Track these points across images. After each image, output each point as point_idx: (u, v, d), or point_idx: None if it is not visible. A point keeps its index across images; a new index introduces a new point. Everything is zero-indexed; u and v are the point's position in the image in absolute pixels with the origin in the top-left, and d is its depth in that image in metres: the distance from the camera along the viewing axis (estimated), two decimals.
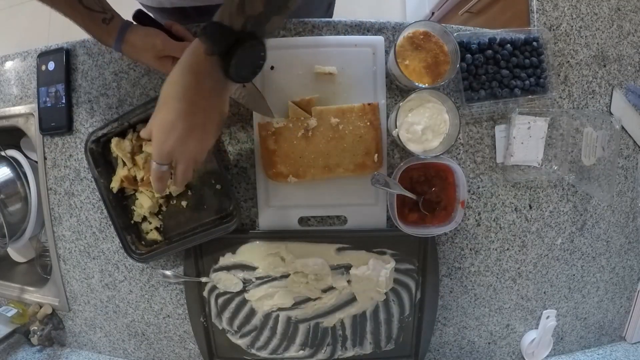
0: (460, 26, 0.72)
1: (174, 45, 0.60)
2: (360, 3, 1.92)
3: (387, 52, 0.68)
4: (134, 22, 0.61)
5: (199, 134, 0.48)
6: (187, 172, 0.51)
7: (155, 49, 0.60)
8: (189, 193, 0.71)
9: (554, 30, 0.72)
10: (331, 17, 0.97)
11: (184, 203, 0.71)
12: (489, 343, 0.77)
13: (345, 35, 0.69)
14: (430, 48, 0.63)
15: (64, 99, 0.73)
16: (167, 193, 0.69)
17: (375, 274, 0.69)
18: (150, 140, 0.49)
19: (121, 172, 0.69)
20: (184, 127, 0.46)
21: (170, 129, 0.46)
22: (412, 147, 0.63)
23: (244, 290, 0.72)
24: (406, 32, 0.63)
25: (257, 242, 0.70)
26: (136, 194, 0.71)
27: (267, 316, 0.73)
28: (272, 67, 0.67)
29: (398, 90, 0.69)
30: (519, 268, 0.74)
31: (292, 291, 0.71)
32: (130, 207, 0.72)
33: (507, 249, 0.74)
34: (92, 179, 0.70)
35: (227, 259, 0.71)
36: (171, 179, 0.53)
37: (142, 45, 0.60)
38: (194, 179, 0.69)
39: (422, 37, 0.63)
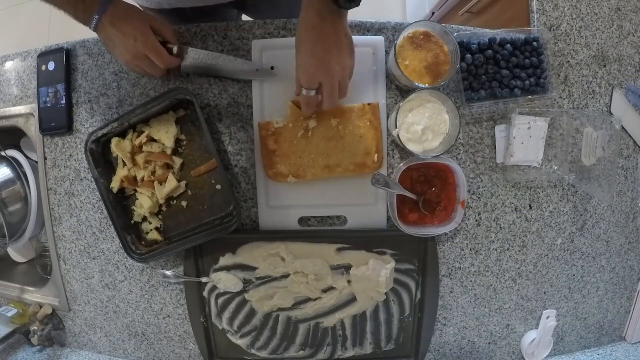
0: (460, 26, 0.72)
1: (155, 47, 0.61)
2: (361, 3, 1.92)
3: (387, 52, 0.68)
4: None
5: (336, 54, 0.56)
6: (333, 92, 0.59)
7: (134, 44, 0.59)
8: (189, 193, 0.71)
9: (554, 30, 0.72)
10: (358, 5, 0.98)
11: (184, 203, 0.71)
12: (489, 343, 0.77)
13: None
14: (431, 48, 0.63)
15: (64, 99, 0.73)
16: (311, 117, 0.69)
17: (375, 274, 0.69)
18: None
19: (121, 172, 0.69)
20: (322, 50, 0.55)
21: (311, 56, 0.56)
22: (412, 147, 0.63)
23: (244, 291, 0.72)
24: (406, 32, 0.63)
25: (257, 242, 0.70)
26: (136, 194, 0.71)
27: (267, 316, 0.73)
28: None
29: (398, 90, 0.69)
30: (519, 268, 0.74)
31: (292, 291, 0.71)
32: (130, 207, 0.72)
33: (507, 249, 0.74)
34: (92, 179, 0.70)
35: (227, 259, 0.71)
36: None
37: (119, 34, 0.59)
38: (206, 170, 0.70)
39: (422, 37, 0.63)
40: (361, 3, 0.53)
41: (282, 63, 0.67)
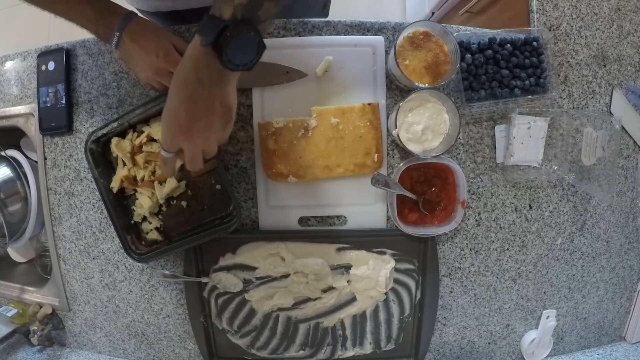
0: (460, 26, 0.72)
1: (177, 61, 0.56)
2: (360, 3, 1.92)
3: (387, 52, 0.68)
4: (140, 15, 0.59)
5: (203, 123, 0.49)
6: (194, 160, 0.53)
7: (157, 60, 0.58)
8: (189, 193, 0.71)
9: (554, 30, 0.72)
10: (327, 16, 0.97)
11: (184, 203, 0.71)
12: (489, 343, 0.77)
13: (345, 35, 0.69)
14: (431, 48, 0.63)
15: (64, 99, 0.73)
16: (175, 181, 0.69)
17: (375, 274, 0.69)
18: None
19: (121, 172, 0.69)
20: (186, 116, 0.48)
21: (174, 118, 0.49)
22: (412, 147, 0.63)
23: (244, 291, 0.72)
24: (406, 32, 0.63)
25: (257, 242, 0.70)
26: (136, 194, 0.71)
27: (267, 316, 0.73)
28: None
29: (398, 90, 0.69)
30: (519, 268, 0.74)
31: (292, 291, 0.71)
32: (130, 207, 0.72)
33: (507, 249, 0.74)
34: (92, 179, 0.70)
35: (227, 259, 0.71)
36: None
37: (141, 51, 0.58)
38: (206, 170, 0.69)
39: (422, 37, 0.63)
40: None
41: (282, 63, 0.67)
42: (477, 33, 0.69)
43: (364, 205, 0.70)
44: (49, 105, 0.74)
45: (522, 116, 0.68)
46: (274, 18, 0.69)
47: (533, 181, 0.72)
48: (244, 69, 0.44)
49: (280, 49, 0.68)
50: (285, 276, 0.71)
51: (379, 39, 0.68)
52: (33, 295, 0.82)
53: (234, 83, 0.50)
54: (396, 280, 0.71)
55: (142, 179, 0.69)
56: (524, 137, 0.69)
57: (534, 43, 0.68)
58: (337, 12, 0.98)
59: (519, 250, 0.74)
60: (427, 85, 0.62)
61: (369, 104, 0.66)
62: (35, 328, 0.77)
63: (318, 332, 0.73)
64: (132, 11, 0.60)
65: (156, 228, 0.71)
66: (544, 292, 0.76)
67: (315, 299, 0.71)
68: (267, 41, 0.66)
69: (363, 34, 0.69)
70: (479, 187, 0.72)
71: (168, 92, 0.49)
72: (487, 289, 0.75)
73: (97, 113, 0.73)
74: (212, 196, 0.70)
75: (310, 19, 0.69)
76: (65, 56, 0.73)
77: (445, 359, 0.77)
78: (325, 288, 0.71)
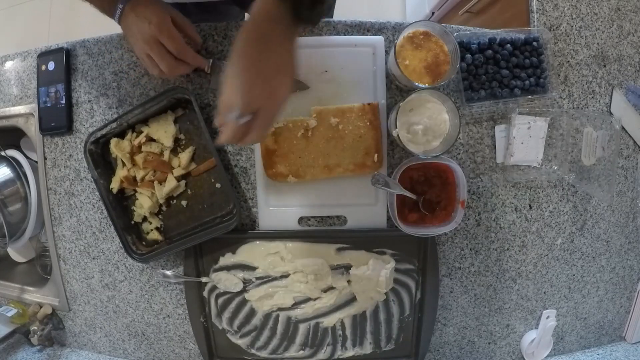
0: (460, 26, 0.72)
1: (171, 32, 0.57)
2: (360, 3, 1.92)
3: (387, 52, 0.68)
4: None
5: (283, 75, 0.47)
6: (269, 122, 0.49)
7: (149, 27, 0.56)
8: (189, 192, 0.71)
9: (554, 30, 0.71)
10: (331, 17, 0.97)
11: (184, 202, 0.71)
12: (489, 343, 0.77)
13: (345, 35, 0.69)
14: (430, 48, 0.63)
15: (64, 99, 0.73)
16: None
17: (375, 274, 0.69)
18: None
19: (121, 173, 0.69)
20: (268, 68, 0.46)
21: (254, 73, 0.45)
22: (412, 147, 0.63)
23: (244, 290, 0.72)
24: (406, 32, 0.63)
25: (257, 242, 0.70)
26: (136, 194, 0.71)
27: (267, 316, 0.73)
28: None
29: (398, 90, 0.69)
30: (519, 268, 0.74)
31: (292, 291, 0.71)
32: (131, 207, 0.72)
33: (507, 249, 0.74)
34: (92, 180, 0.70)
35: (227, 259, 0.71)
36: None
37: (137, 19, 0.57)
38: (206, 168, 0.69)
39: (422, 36, 0.63)
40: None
41: None
42: (477, 33, 0.69)
43: (364, 205, 0.70)
44: (49, 105, 0.74)
45: (522, 116, 0.68)
46: None
47: (533, 181, 0.72)
48: (313, 24, 0.46)
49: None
50: (285, 276, 0.71)
51: (379, 39, 0.67)
52: (33, 295, 0.82)
53: (297, 42, 0.48)
54: (396, 280, 0.71)
55: (142, 179, 0.69)
56: (524, 137, 0.69)
57: (534, 43, 0.68)
58: (337, 12, 0.98)
59: (519, 250, 0.74)
60: (427, 85, 0.62)
61: (369, 104, 0.66)
62: (35, 328, 0.77)
63: (318, 332, 0.73)
64: None
65: (156, 228, 0.72)
66: (544, 292, 0.76)
67: (315, 299, 0.71)
68: None
69: (363, 34, 0.69)
70: (479, 187, 0.72)
71: (233, 58, 0.45)
72: (487, 289, 0.75)
73: (97, 113, 0.73)
74: (212, 195, 0.70)
75: None
76: (65, 56, 0.73)
77: (445, 359, 0.77)
78: (325, 288, 0.71)
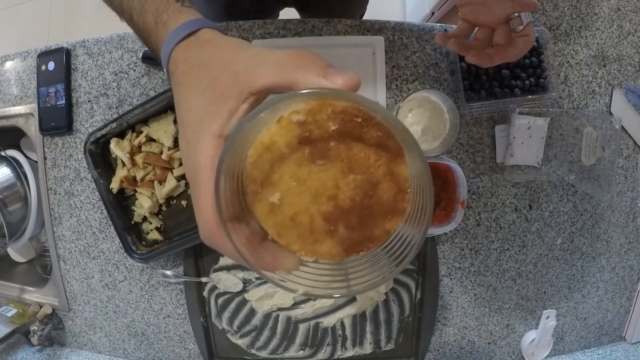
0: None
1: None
2: None
3: (387, 52, 0.68)
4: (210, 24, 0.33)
5: None
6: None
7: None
8: (189, 192, 0.71)
9: (554, 30, 0.71)
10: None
11: (184, 202, 0.71)
12: (489, 343, 0.77)
13: (345, 35, 0.69)
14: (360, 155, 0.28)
15: (64, 99, 0.73)
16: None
17: None
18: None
19: (121, 173, 0.69)
20: None
21: None
22: None
23: (244, 290, 0.72)
24: (290, 105, 0.27)
25: None
26: (136, 194, 0.71)
27: (267, 316, 0.73)
28: None
29: (398, 90, 0.69)
30: (519, 268, 0.74)
31: None
32: (131, 207, 0.72)
33: (507, 249, 0.74)
34: (92, 180, 0.70)
35: (227, 259, 0.71)
36: None
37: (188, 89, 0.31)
38: None
39: (341, 120, 0.27)
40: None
41: None
42: None
43: None
44: (48, 105, 0.74)
45: (522, 116, 0.68)
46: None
47: (533, 181, 0.72)
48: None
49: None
50: None
51: (379, 39, 0.67)
52: (33, 295, 0.82)
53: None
54: (396, 280, 0.71)
55: (142, 179, 0.69)
56: (524, 137, 0.69)
57: (534, 43, 0.68)
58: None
59: (519, 250, 0.74)
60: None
61: None
62: (35, 328, 0.77)
63: (318, 332, 0.73)
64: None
65: (156, 228, 0.72)
66: (544, 292, 0.76)
67: (315, 299, 0.71)
68: (266, 41, 0.65)
69: (363, 34, 0.69)
70: (479, 187, 0.72)
71: None
72: (487, 289, 0.75)
73: (97, 113, 0.73)
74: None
75: (310, 19, 0.69)
76: (65, 56, 0.73)
77: (445, 359, 0.77)
78: None
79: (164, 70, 0.33)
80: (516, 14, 0.49)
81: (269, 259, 0.27)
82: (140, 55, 0.71)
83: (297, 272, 0.28)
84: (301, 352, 0.74)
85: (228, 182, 0.26)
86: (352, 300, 0.72)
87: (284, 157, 0.26)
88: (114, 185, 0.70)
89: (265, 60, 0.28)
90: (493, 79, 0.68)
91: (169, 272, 0.73)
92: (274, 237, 0.28)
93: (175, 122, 0.69)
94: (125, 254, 0.70)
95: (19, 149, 0.85)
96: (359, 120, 0.26)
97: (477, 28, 0.56)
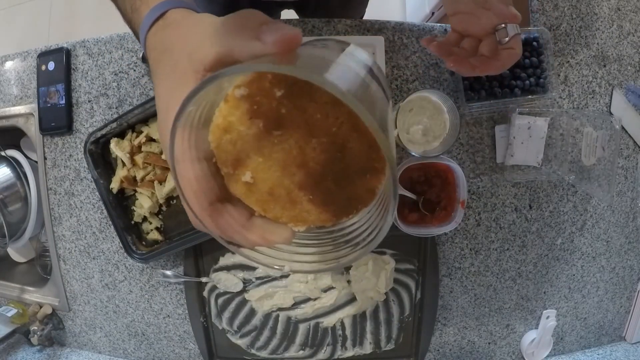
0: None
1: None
2: None
3: (387, 52, 0.68)
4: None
5: None
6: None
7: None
8: None
9: (554, 30, 0.71)
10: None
11: None
12: (489, 343, 0.77)
13: (345, 35, 0.69)
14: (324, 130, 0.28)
15: (64, 99, 0.73)
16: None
17: (375, 274, 0.69)
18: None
19: (121, 173, 0.69)
20: None
21: None
22: (412, 147, 0.63)
23: (244, 290, 0.72)
24: (242, 70, 0.24)
25: None
26: (136, 194, 0.71)
27: (267, 316, 0.73)
28: None
29: (398, 90, 0.69)
30: (519, 268, 0.74)
31: (292, 291, 0.71)
32: (131, 207, 0.72)
33: (507, 249, 0.74)
34: (92, 180, 0.70)
35: (227, 259, 0.71)
36: None
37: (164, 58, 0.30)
38: None
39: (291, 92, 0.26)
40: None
41: None
42: None
43: None
44: (49, 105, 0.74)
45: (522, 116, 0.68)
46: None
47: (533, 181, 0.72)
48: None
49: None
50: (285, 276, 0.71)
51: (379, 39, 0.67)
52: (33, 295, 0.82)
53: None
54: (396, 281, 0.71)
55: (142, 179, 0.69)
56: (524, 137, 0.69)
57: (534, 43, 0.68)
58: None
59: (519, 250, 0.74)
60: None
61: None
62: (35, 328, 0.77)
63: (318, 332, 0.73)
64: None
65: (156, 228, 0.72)
66: (544, 292, 0.76)
67: (315, 299, 0.71)
68: None
69: (363, 34, 0.69)
70: (479, 187, 0.72)
71: None
72: (487, 289, 0.75)
73: (97, 113, 0.73)
74: None
75: (310, 19, 0.69)
76: (65, 56, 0.73)
77: (445, 359, 0.77)
78: (325, 288, 0.71)
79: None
80: (502, 25, 0.49)
81: (256, 236, 0.27)
82: (140, 55, 0.71)
83: (285, 247, 0.28)
84: (301, 352, 0.74)
85: (205, 166, 0.26)
86: (352, 300, 0.72)
87: (243, 135, 0.25)
88: (114, 185, 0.70)
89: (209, 33, 0.27)
90: (493, 79, 0.68)
91: (169, 272, 0.73)
92: (261, 213, 0.27)
93: None
94: (125, 254, 0.70)
95: (19, 149, 0.85)
96: (303, 81, 0.23)
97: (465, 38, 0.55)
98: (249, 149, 0.25)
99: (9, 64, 0.79)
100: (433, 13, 1.51)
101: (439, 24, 0.72)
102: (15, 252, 0.93)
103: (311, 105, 0.24)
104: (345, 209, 0.27)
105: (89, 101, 0.73)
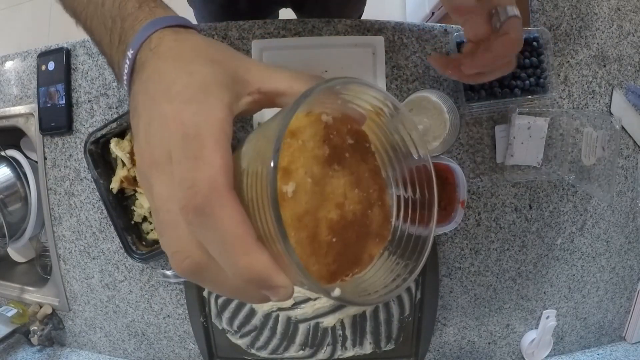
0: (461, 26, 0.72)
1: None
2: None
3: (387, 52, 0.68)
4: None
5: None
6: None
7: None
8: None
9: (554, 30, 0.71)
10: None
11: None
12: (489, 343, 0.77)
13: (345, 35, 0.69)
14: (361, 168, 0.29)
15: (64, 99, 0.73)
16: None
17: None
18: None
19: (121, 173, 0.69)
20: None
21: None
22: None
23: None
24: (302, 108, 0.24)
25: None
26: (136, 194, 0.71)
27: (267, 316, 0.73)
28: None
29: (398, 90, 0.69)
30: (519, 268, 0.74)
31: None
32: (131, 207, 0.72)
33: (507, 249, 0.74)
34: (92, 180, 0.70)
35: None
36: None
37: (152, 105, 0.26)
38: None
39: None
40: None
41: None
42: None
43: None
44: (49, 105, 0.74)
45: (522, 116, 0.68)
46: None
47: (533, 181, 0.72)
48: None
49: (280, 49, 0.68)
50: None
51: (379, 39, 0.67)
52: (33, 295, 0.82)
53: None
54: None
55: None
56: (524, 137, 0.69)
57: (534, 43, 0.68)
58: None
59: (519, 250, 0.74)
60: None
61: None
62: (35, 328, 0.77)
63: (318, 332, 0.73)
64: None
65: None
66: (544, 292, 0.76)
67: (315, 299, 0.71)
68: (266, 41, 0.65)
69: (363, 33, 0.69)
70: (479, 187, 0.72)
71: None
72: (487, 289, 0.75)
73: (97, 113, 0.73)
74: None
75: (310, 19, 0.69)
76: (65, 56, 0.73)
77: (445, 359, 0.77)
78: None
79: (129, 53, 0.28)
80: (495, 10, 0.42)
81: (261, 265, 0.22)
82: None
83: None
84: (301, 352, 0.74)
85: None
86: None
87: (305, 148, 0.25)
88: (114, 185, 0.70)
89: (276, 68, 0.29)
90: (493, 79, 0.68)
91: (169, 272, 0.73)
92: None
93: None
94: (125, 254, 0.70)
95: (19, 149, 0.85)
96: (368, 145, 0.28)
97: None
98: (303, 164, 0.25)
99: (9, 64, 0.79)
100: (433, 13, 1.51)
101: (439, 24, 0.72)
102: (15, 252, 0.93)
103: (363, 165, 0.28)
104: (345, 269, 0.28)
105: (89, 101, 0.73)
